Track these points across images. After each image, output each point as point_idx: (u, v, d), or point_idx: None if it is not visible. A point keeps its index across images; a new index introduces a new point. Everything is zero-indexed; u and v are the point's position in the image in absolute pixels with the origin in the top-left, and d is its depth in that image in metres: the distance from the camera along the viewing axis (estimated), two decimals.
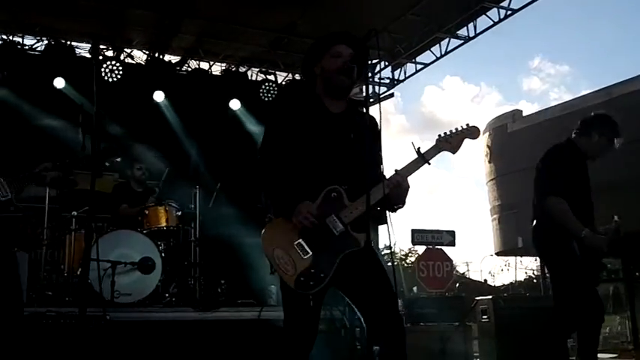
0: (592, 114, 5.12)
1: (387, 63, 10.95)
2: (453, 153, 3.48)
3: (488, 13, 9.54)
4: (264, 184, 3.54)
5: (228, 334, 6.30)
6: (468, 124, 3.52)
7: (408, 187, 3.43)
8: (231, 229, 8.27)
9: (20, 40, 9.55)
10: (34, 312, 5.58)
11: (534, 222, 5.01)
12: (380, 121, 3.52)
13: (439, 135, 3.47)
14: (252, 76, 10.88)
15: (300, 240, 3.33)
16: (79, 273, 6.66)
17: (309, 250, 3.31)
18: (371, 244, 3.25)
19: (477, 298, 8.09)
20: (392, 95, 10.80)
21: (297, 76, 11.03)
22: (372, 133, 3.49)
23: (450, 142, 3.46)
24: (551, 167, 4.93)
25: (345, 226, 3.33)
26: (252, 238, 7.71)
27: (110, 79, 9.25)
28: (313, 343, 3.39)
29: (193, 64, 10.45)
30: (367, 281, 3.29)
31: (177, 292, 7.26)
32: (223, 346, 6.18)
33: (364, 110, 3.66)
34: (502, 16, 9.40)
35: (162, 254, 7.00)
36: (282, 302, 3.47)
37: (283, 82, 10.94)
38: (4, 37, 9.40)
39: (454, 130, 3.48)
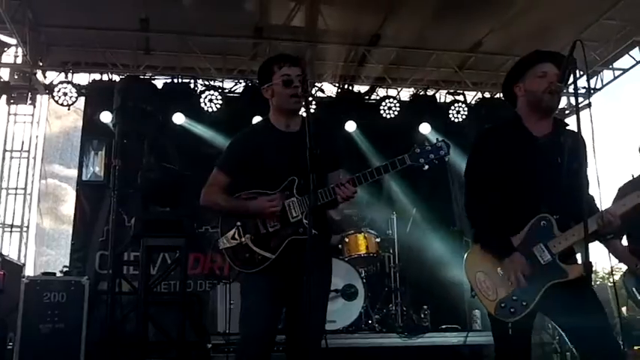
0: None
1: (581, 72, 10.34)
2: None
3: None
4: (472, 213, 3.52)
5: None
6: None
7: (619, 224, 3.24)
8: (429, 254, 8.26)
9: (220, 84, 10.19)
10: None
11: None
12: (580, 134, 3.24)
13: None
14: (440, 98, 10.83)
15: None
16: None
17: None
18: (590, 275, 3.08)
19: None
20: (589, 105, 10.21)
21: (487, 95, 10.81)
22: (581, 154, 3.31)
23: None
24: None
25: (552, 255, 3.24)
26: (450, 262, 7.69)
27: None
28: None
29: (381, 91, 10.58)
30: (579, 311, 3.14)
31: (380, 319, 7.37)
32: None
33: (571, 128, 3.46)
34: None
35: (364, 281, 7.14)
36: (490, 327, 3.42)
37: (473, 102, 10.77)
38: (207, 82, 10.10)
39: None
